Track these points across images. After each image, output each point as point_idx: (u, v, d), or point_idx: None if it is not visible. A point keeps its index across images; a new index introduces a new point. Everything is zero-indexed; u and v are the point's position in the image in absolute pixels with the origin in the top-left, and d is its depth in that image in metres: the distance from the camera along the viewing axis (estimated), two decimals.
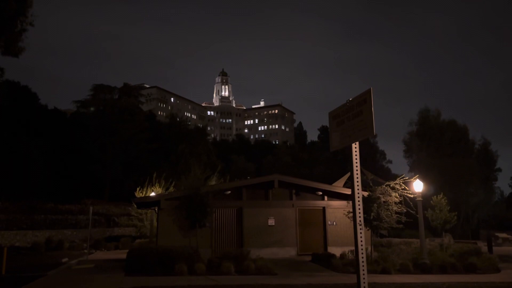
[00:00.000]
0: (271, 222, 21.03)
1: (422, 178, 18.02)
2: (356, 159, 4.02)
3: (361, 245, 3.58)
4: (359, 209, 3.75)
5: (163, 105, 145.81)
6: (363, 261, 3.53)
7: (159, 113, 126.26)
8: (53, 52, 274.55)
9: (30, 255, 21.82)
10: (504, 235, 37.02)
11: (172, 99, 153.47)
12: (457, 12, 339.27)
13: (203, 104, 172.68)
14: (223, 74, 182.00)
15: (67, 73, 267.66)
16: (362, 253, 3.61)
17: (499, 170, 56.17)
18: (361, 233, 3.68)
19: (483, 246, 25.42)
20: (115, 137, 49.50)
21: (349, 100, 4.27)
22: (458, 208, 31.29)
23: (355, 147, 4.09)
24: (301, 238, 21.26)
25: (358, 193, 3.99)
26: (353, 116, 4.18)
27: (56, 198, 37.99)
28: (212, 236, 20.24)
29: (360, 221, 3.71)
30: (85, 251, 23.07)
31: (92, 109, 54.11)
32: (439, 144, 49.52)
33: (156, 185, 30.60)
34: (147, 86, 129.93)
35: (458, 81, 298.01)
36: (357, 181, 3.97)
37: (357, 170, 4.01)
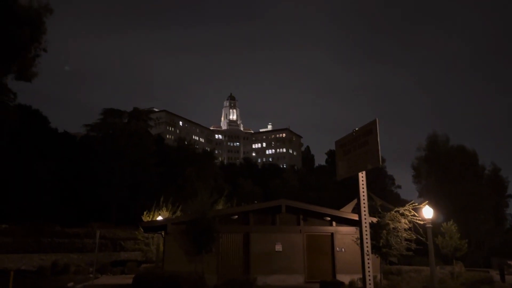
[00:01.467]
0: (279, 247, 20.78)
1: (432, 204, 17.72)
2: (363, 188, 4.03)
3: (369, 275, 3.55)
4: (367, 238, 3.74)
5: (171, 129, 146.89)
6: None
7: (168, 136, 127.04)
8: (64, 76, 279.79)
9: (36, 279, 21.74)
10: None
11: (180, 122, 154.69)
12: (467, 36, 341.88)
13: (211, 128, 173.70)
14: (231, 98, 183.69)
15: (78, 97, 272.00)
16: (370, 282, 3.57)
17: (510, 196, 55.35)
18: (368, 263, 3.66)
19: (495, 274, 24.81)
20: (123, 160, 49.76)
21: (355, 130, 4.31)
22: (468, 235, 30.70)
23: (362, 176, 4.11)
24: (309, 264, 20.93)
25: (365, 221, 3.98)
26: (359, 145, 4.20)
27: (63, 221, 38.02)
28: (218, 262, 20.02)
29: (367, 251, 3.69)
30: (91, 275, 22.91)
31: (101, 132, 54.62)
32: (448, 170, 49.07)
33: (163, 209, 30.55)
34: (156, 110, 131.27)
35: (467, 105, 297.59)
36: (364, 210, 3.97)
37: (364, 199, 4.02)
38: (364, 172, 4.17)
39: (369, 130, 4.00)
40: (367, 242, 3.77)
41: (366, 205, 4.05)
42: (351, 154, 4.30)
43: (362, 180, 4.11)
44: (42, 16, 26.03)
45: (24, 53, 25.79)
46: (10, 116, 30.67)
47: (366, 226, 3.97)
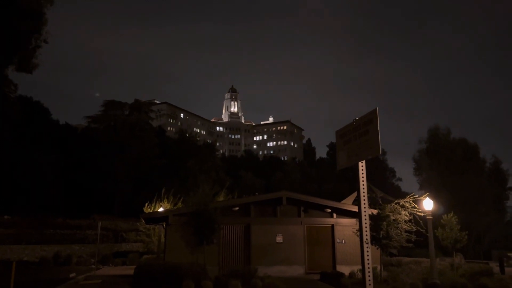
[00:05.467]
0: (279, 239, 20.89)
1: (432, 197, 17.82)
2: (362, 177, 4.05)
3: (368, 263, 3.58)
4: (366, 227, 3.76)
5: (172, 121, 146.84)
6: (370, 280, 3.52)
7: (169, 128, 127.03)
8: (64, 67, 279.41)
9: (38, 270, 21.88)
10: None
11: (181, 115, 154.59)
12: (469, 30, 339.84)
13: (212, 120, 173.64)
14: (233, 90, 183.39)
15: (77, 88, 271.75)
16: (369, 272, 3.60)
17: (511, 189, 55.37)
18: (367, 252, 3.69)
19: (495, 266, 24.92)
20: (125, 152, 49.88)
21: (355, 119, 4.32)
22: (469, 228, 30.76)
23: (362, 166, 4.12)
24: (310, 256, 21.05)
25: (365, 211, 4.00)
26: (360, 135, 4.22)
27: (65, 213, 38.22)
28: (220, 253, 20.15)
29: (367, 239, 3.71)
30: (93, 266, 23.08)
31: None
32: (449, 163, 49.09)
33: (164, 200, 30.70)
34: (158, 102, 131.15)
35: (468, 99, 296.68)
36: (364, 200, 3.99)
37: (363, 188, 4.03)
38: (364, 162, 4.18)
39: (369, 120, 4.01)
40: (366, 231, 3.80)
41: (365, 194, 4.06)
42: (352, 144, 4.32)
43: (362, 170, 4.13)
44: (42, 7, 25.91)
45: (25, 44, 25.72)
46: (12, 107, 30.68)
47: (365, 215, 3.99)
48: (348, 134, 4.45)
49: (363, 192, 4.05)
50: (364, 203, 4.01)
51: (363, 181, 4.06)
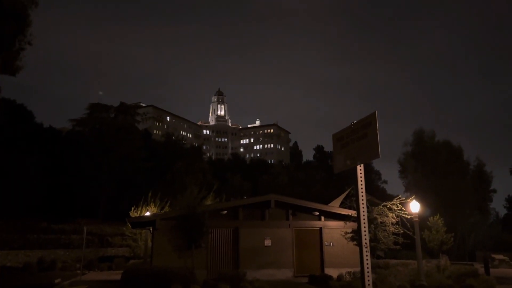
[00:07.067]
0: (268, 242, 20.85)
1: (418, 199, 17.99)
2: (361, 181, 4.05)
3: (367, 268, 3.55)
4: (365, 231, 3.75)
5: (159, 124, 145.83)
6: (369, 285, 3.50)
7: (155, 131, 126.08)
8: (48, 70, 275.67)
9: (22, 276, 21.45)
10: (500, 256, 36.76)
11: (168, 118, 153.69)
12: (453, 33, 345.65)
13: (199, 123, 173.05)
14: (219, 93, 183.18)
15: (62, 91, 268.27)
16: (368, 277, 3.57)
17: (494, 191, 56.34)
18: (367, 256, 3.67)
19: (479, 267, 25.22)
20: (111, 156, 49.28)
21: (353, 122, 4.33)
22: (454, 229, 31.15)
23: (360, 169, 4.12)
24: (298, 259, 21.05)
25: (364, 214, 3.99)
26: (358, 138, 4.23)
27: (50, 217, 37.55)
28: (208, 257, 20.01)
29: (366, 243, 3.70)
30: (78, 271, 22.72)
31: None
32: (434, 165, 49.68)
33: (151, 204, 30.39)
34: (143, 105, 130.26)
35: (452, 101, 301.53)
36: (363, 204, 3.98)
37: (362, 192, 4.03)
38: (362, 165, 4.18)
39: (368, 123, 4.02)
40: (365, 235, 3.79)
41: (364, 197, 4.05)
42: (349, 147, 4.32)
43: (360, 173, 4.12)
44: (27, 8, 25.45)
45: (8, 46, 25.21)
46: None
47: (364, 219, 3.98)
48: (346, 137, 4.45)
49: (362, 196, 4.04)
50: (363, 207, 4.00)
51: (361, 184, 4.06)
